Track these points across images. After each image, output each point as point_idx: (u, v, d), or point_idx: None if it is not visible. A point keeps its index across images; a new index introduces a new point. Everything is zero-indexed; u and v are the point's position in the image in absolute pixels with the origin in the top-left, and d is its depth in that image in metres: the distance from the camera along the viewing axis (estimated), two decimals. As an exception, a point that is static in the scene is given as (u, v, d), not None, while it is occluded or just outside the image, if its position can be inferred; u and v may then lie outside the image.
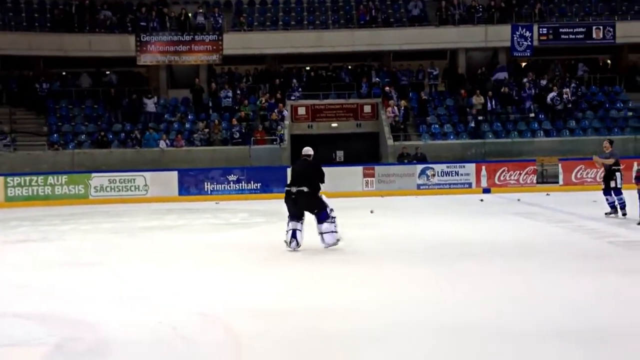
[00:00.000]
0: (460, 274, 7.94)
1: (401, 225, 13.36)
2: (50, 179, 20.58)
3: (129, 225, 14.54)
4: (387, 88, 24.56)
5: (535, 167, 20.59)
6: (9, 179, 20.28)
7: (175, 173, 21.04)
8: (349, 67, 27.09)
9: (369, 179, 20.82)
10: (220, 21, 26.48)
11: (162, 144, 22.88)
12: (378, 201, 18.60)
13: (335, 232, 9.94)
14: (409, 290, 7.06)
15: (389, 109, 23.48)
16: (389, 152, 22.53)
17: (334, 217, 9.95)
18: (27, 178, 20.46)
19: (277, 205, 17.96)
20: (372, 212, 15.28)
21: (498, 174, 20.56)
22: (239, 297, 6.94)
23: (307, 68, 27.59)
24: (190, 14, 26.59)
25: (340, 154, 25.16)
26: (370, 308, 6.35)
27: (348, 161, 24.25)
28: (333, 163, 23.80)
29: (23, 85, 25.66)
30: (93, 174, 20.92)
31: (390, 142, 22.57)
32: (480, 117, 23.20)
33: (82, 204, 20.07)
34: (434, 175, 20.62)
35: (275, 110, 23.86)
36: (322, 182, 10.26)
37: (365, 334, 5.47)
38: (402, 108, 23.40)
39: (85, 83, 26.27)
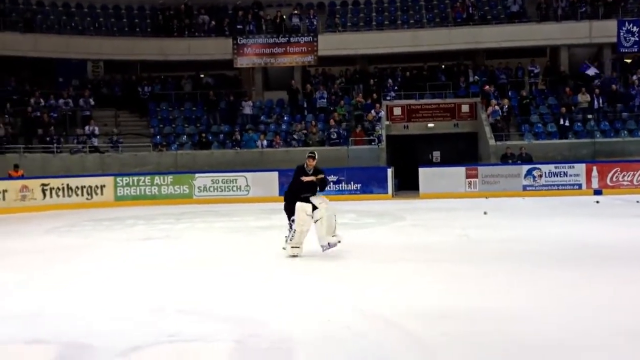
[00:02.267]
0: (614, 277, 7.55)
1: (521, 226, 12.90)
2: (157, 179, 21.15)
3: (243, 224, 14.71)
4: (486, 87, 23.96)
5: (650, 167, 19.59)
6: (118, 179, 20.97)
7: (276, 173, 21.19)
8: (445, 66, 26.60)
9: (472, 179, 20.36)
10: (315, 22, 26.58)
11: (259, 144, 23.11)
12: (483, 202, 18.14)
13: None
14: (578, 295, 6.72)
15: (490, 108, 22.87)
16: (490, 152, 21.95)
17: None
18: (135, 178, 21.10)
19: (382, 206, 17.97)
20: (485, 213, 14.88)
21: (610, 174, 19.68)
22: (401, 297, 6.79)
23: (401, 68, 27.29)
24: (285, 16, 26.80)
25: (437, 155, 24.74)
26: (547, 311, 6.09)
27: (445, 162, 23.81)
28: (430, 164, 23.42)
29: (126, 88, 26.54)
30: (197, 175, 21.36)
31: (492, 142, 22.00)
32: (589, 116, 22.26)
33: (186, 204, 20.55)
34: (541, 175, 19.94)
35: (372, 111, 23.69)
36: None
37: (556, 341, 5.21)
38: (505, 107, 22.74)
39: (186, 86, 26.89)
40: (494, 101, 23.20)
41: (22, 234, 13.83)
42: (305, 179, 9.73)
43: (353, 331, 5.59)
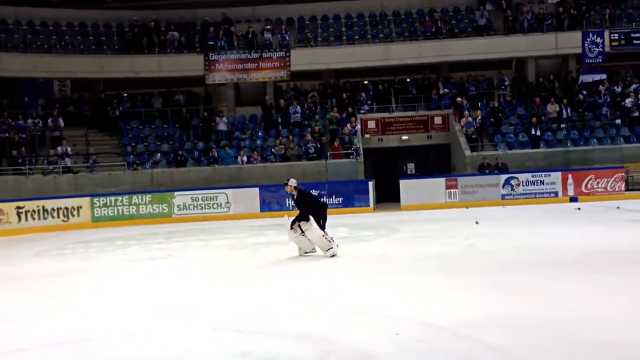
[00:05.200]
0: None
1: (520, 234, 13.14)
2: (135, 199, 20.76)
3: (240, 241, 14.57)
4: (458, 99, 24.41)
5: (623, 174, 20.25)
6: (95, 199, 20.50)
7: (257, 189, 21.11)
8: (414, 79, 27.02)
9: (452, 190, 20.67)
10: (287, 37, 26.64)
11: (239, 160, 22.96)
12: (464, 212, 18.45)
13: None
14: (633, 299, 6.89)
15: (464, 119, 23.31)
16: (466, 162, 22.33)
17: None
18: (112, 198, 20.66)
19: (369, 219, 18.07)
20: (477, 223, 15.10)
21: (585, 182, 20.27)
22: (452, 308, 6.82)
23: (366, 82, 27.57)
24: (256, 32, 26.76)
25: (411, 166, 25.03)
26: (613, 315, 6.23)
27: (420, 173, 24.10)
28: (406, 175, 23.66)
29: (95, 107, 25.99)
30: (176, 193, 21.06)
31: (467, 152, 22.40)
32: (562, 125, 22.92)
33: (166, 223, 20.22)
34: (518, 185, 20.40)
35: (348, 125, 23.83)
36: None
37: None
38: (478, 118, 23.22)
39: (156, 104, 26.52)
40: (466, 112, 23.65)
41: (14, 259, 13.36)
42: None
43: (427, 344, 5.60)
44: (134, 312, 7.56)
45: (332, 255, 10.84)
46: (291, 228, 11.07)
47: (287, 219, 11.31)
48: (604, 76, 24.82)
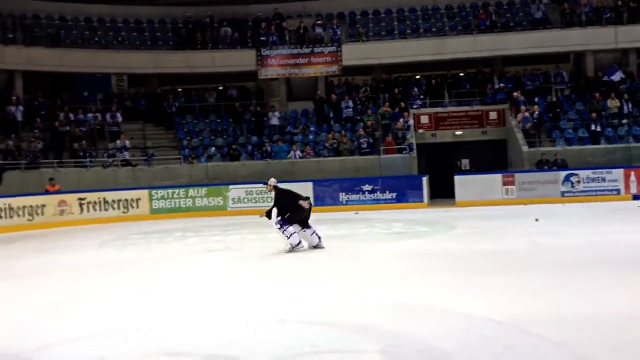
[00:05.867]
0: None
1: (584, 233, 12.82)
2: (191, 192, 21.07)
3: (296, 235, 14.60)
4: (514, 93, 23.98)
5: (688, 171, 19.59)
6: (153, 192, 20.90)
7: (310, 184, 21.13)
8: (469, 73, 26.65)
9: (509, 186, 20.32)
10: (338, 32, 26.62)
11: (292, 154, 23.08)
12: (522, 209, 18.13)
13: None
14: None
15: (520, 114, 22.89)
16: (523, 158, 21.94)
17: None
18: (170, 191, 21.03)
19: (424, 215, 17.92)
20: (537, 220, 14.82)
21: (648, 179, 19.66)
22: (519, 305, 6.73)
23: (418, 77, 27.31)
24: (307, 27, 26.82)
25: (465, 162, 24.70)
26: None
27: (474, 169, 23.78)
28: (461, 171, 23.39)
29: (151, 101, 26.49)
30: (231, 186, 21.28)
31: (525, 148, 22.00)
32: (624, 121, 22.31)
33: (221, 216, 20.45)
34: (579, 182, 19.92)
35: (401, 120, 23.68)
36: None
37: None
38: (535, 113, 22.77)
39: (210, 98, 26.88)
40: (523, 107, 23.22)
41: (77, 249, 13.74)
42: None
43: (494, 341, 5.53)
44: (197, 302, 7.68)
45: (288, 251, 11.21)
46: (280, 228, 11.30)
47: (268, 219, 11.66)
48: (623, 76, 24.01)
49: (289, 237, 11.22)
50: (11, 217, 18.32)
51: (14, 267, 11.19)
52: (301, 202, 11.46)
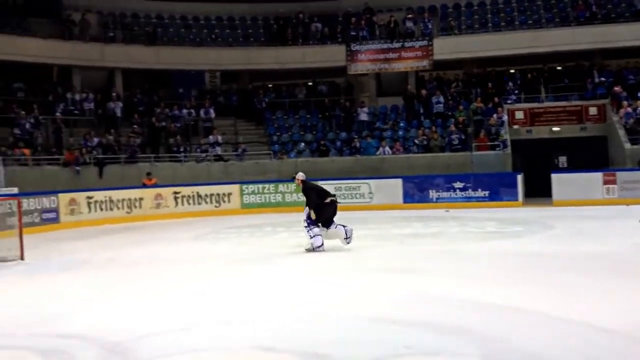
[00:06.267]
0: None
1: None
2: (281, 187, 21.28)
3: (387, 232, 14.49)
4: (615, 88, 22.78)
5: None
6: (244, 186, 21.26)
7: (400, 180, 20.89)
8: (567, 67, 25.53)
9: (610, 185, 19.31)
10: (429, 26, 26.15)
11: (381, 150, 22.88)
12: (624, 210, 17.18)
13: None
14: None
15: (622, 110, 21.72)
16: (625, 156, 20.81)
17: None
18: (260, 186, 21.32)
19: (519, 214, 17.32)
20: (641, 221, 13.98)
21: None
22: (629, 309, 6.34)
23: (512, 70, 26.39)
24: (398, 21, 26.51)
25: (563, 160, 23.69)
26: None
27: (572, 167, 22.75)
28: (558, 169, 22.43)
29: (242, 97, 26.98)
30: (320, 182, 21.25)
31: (627, 145, 20.87)
32: None
33: (310, 211, 20.48)
34: (686, 181, 18.69)
35: (494, 115, 23.00)
36: None
37: None
38: (638, 109, 21.55)
39: (300, 94, 27.09)
40: (625, 103, 22.03)
41: (172, 241, 14.14)
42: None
43: (599, 348, 5.21)
44: (289, 298, 7.69)
45: (308, 250, 11.27)
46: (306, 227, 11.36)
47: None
48: None
49: (312, 237, 11.26)
50: (111, 209, 19.13)
51: (114, 258, 11.63)
52: (329, 200, 11.51)
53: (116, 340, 5.89)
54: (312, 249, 11.26)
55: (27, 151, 20.25)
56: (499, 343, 5.54)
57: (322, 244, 11.28)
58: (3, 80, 23.52)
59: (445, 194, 20.55)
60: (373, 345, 5.58)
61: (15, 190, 17.61)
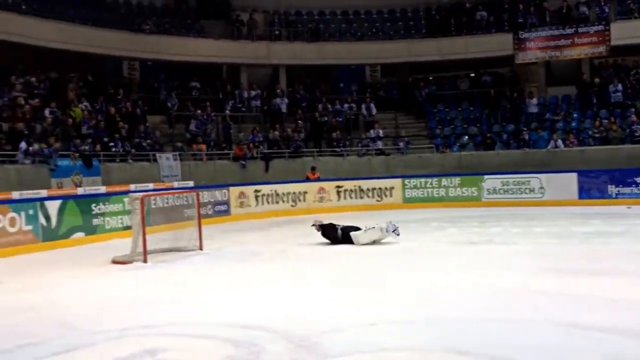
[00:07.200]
0: None
1: None
2: (444, 181, 20.69)
3: (566, 229, 13.50)
4: None
5: None
6: (406, 181, 20.92)
7: (574, 175, 19.49)
8: None
9: None
10: (606, 10, 24.20)
11: (552, 144, 21.51)
12: None
13: None
14: None
15: None
16: None
17: None
18: (422, 180, 20.86)
19: None
20: None
21: None
22: None
23: None
24: (571, 5, 24.80)
25: None
26: None
27: None
28: None
29: (402, 90, 26.65)
30: (485, 176, 20.47)
31: None
32: None
33: (474, 206, 19.72)
34: None
35: (683, 103, 20.79)
36: None
37: None
38: None
39: (463, 85, 26.27)
40: None
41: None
42: None
43: None
44: (479, 296, 7.25)
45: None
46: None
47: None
48: None
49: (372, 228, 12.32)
50: (277, 202, 19.65)
51: (285, 250, 11.80)
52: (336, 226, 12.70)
53: (303, 334, 5.83)
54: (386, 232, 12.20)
55: (203, 146, 21.36)
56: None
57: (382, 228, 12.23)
58: (180, 80, 25.04)
59: (626, 190, 18.87)
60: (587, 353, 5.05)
61: (191, 183, 18.69)
